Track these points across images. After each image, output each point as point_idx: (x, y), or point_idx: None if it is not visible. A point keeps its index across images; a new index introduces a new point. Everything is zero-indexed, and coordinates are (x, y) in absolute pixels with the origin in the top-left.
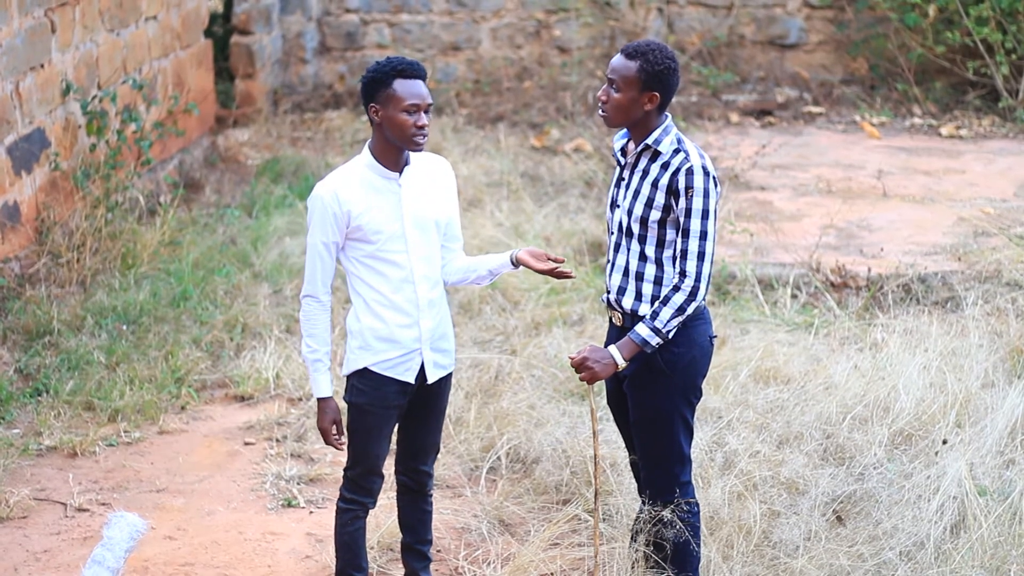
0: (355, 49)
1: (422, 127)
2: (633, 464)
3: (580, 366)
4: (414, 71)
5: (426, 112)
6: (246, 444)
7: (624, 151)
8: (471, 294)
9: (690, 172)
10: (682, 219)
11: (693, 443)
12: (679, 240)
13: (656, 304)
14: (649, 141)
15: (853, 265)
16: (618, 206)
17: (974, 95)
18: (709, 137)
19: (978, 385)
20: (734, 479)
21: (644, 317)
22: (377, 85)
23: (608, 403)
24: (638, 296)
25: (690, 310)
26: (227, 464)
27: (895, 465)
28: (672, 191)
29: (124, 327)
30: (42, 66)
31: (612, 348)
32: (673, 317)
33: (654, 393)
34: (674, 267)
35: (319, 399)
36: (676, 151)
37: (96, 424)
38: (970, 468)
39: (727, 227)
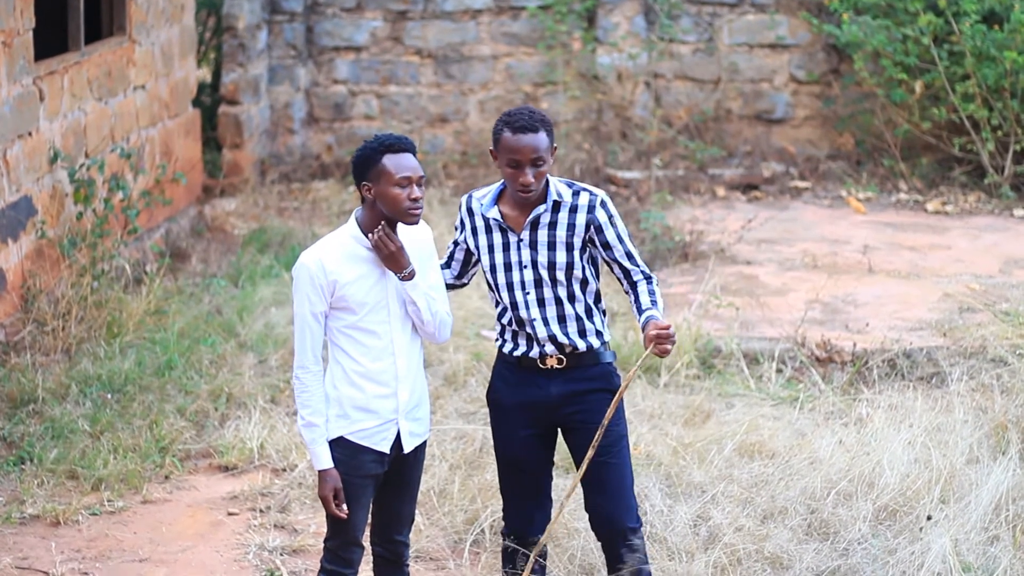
0: (343, 120)
1: (416, 199)
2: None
3: (669, 337)
4: (403, 146)
5: (419, 185)
6: (229, 514)
7: (504, 216)
8: (456, 366)
9: (603, 204)
10: (614, 243)
11: (677, 516)
12: (617, 254)
13: (648, 296)
14: (555, 197)
15: (838, 340)
16: (525, 267)
17: (960, 171)
18: (695, 211)
19: (963, 461)
20: (718, 553)
21: (645, 309)
22: (367, 163)
23: (517, 462)
24: (582, 333)
25: None
26: (210, 534)
27: (879, 541)
28: (594, 227)
29: (109, 396)
30: (30, 134)
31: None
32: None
33: (614, 416)
34: (636, 265)
35: (320, 471)
36: (575, 192)
37: (79, 493)
38: (955, 544)
39: (713, 301)
